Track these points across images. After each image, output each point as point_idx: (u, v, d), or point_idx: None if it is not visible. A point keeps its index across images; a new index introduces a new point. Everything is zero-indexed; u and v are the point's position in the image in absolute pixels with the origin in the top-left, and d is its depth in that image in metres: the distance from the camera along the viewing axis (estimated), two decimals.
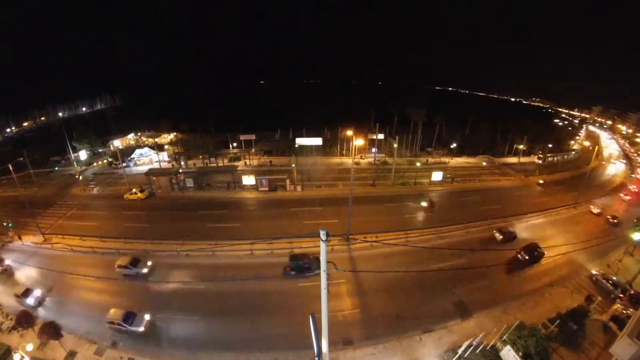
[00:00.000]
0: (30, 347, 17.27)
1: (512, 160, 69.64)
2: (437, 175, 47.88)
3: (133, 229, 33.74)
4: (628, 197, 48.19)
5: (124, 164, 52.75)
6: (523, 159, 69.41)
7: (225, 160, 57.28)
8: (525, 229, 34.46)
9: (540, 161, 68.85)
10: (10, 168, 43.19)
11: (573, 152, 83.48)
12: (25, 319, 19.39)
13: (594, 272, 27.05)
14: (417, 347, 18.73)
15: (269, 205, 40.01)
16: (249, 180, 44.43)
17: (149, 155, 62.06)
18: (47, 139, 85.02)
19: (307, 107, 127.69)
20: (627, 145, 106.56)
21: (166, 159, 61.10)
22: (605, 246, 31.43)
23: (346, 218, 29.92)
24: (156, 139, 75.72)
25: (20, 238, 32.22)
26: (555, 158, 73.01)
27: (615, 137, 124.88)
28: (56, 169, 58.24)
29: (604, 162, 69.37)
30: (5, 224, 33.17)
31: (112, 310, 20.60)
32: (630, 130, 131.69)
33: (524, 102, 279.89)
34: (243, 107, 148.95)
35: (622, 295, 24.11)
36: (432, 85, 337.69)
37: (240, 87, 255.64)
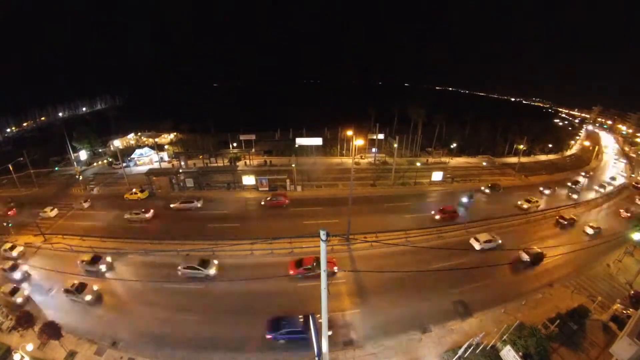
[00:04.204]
0: (30, 347, 17.25)
1: (512, 160, 69.68)
2: (437, 175, 47.91)
3: (133, 229, 33.79)
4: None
5: (124, 164, 52.77)
6: (523, 159, 69.47)
7: (225, 161, 57.28)
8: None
9: None
10: (10, 168, 43.19)
11: None
12: (25, 319, 19.38)
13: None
14: (417, 347, 18.73)
15: (269, 205, 39.95)
16: (249, 180, 44.43)
17: (149, 155, 62.06)
18: (47, 139, 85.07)
19: (307, 107, 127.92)
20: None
21: (166, 159, 61.10)
22: (605, 246, 31.45)
23: (346, 218, 29.92)
24: (156, 139, 75.73)
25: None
26: None
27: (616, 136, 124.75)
28: (56, 168, 58.23)
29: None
30: (5, 224, 33.22)
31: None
32: (630, 130, 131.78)
33: (524, 102, 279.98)
34: (243, 107, 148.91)
35: None
36: (432, 85, 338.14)
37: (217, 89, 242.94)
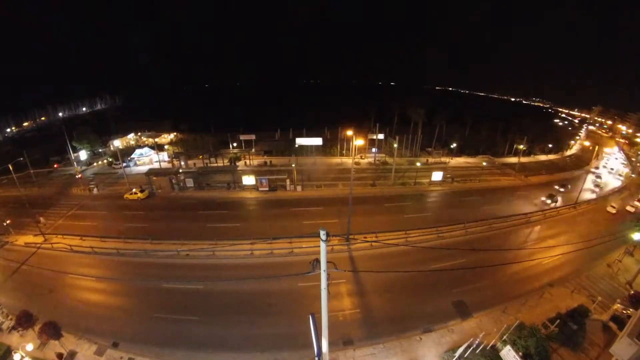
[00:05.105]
0: (30, 347, 17.26)
1: (512, 160, 69.63)
2: (437, 175, 47.89)
3: (133, 229, 33.75)
4: None
5: (124, 164, 52.77)
6: (523, 159, 69.40)
7: (225, 161, 57.30)
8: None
9: None
10: (10, 168, 43.11)
11: None
12: (25, 319, 19.37)
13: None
14: (417, 347, 18.72)
15: (269, 205, 39.99)
16: (249, 180, 44.44)
17: (149, 155, 62.08)
18: (47, 139, 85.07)
19: (307, 107, 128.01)
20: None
21: (166, 159, 61.12)
22: (604, 246, 31.42)
23: (346, 218, 29.92)
24: (156, 139, 75.73)
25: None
26: None
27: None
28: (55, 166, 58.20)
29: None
30: (5, 223, 33.20)
31: None
32: (630, 130, 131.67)
33: (524, 102, 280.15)
34: (243, 107, 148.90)
35: None
36: (432, 85, 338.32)
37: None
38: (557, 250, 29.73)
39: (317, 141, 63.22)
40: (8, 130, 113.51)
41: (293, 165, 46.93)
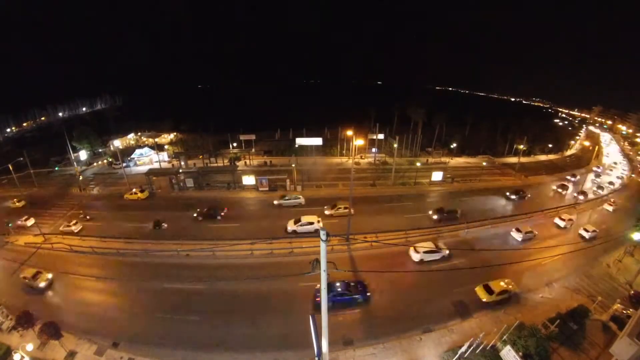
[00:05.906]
0: (30, 347, 17.24)
1: (512, 160, 69.62)
2: (437, 175, 47.91)
3: (133, 229, 33.77)
4: None
5: (124, 164, 52.77)
6: (523, 159, 69.30)
7: (225, 161, 57.28)
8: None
9: None
10: (10, 168, 43.17)
11: None
12: (25, 319, 19.36)
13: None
14: (417, 347, 18.72)
15: (269, 205, 39.97)
16: (249, 180, 44.44)
17: (149, 156, 62.08)
18: (47, 139, 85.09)
19: (307, 107, 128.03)
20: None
21: (166, 159, 61.10)
22: (605, 246, 31.42)
23: (346, 218, 29.89)
24: (156, 139, 75.75)
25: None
26: None
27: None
28: (56, 168, 58.24)
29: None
30: (7, 223, 33.21)
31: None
32: (630, 130, 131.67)
33: (524, 102, 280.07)
34: (243, 107, 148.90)
35: None
36: (432, 85, 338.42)
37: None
38: (557, 250, 29.73)
39: (317, 141, 63.17)
40: (8, 130, 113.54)
41: (293, 165, 46.94)
